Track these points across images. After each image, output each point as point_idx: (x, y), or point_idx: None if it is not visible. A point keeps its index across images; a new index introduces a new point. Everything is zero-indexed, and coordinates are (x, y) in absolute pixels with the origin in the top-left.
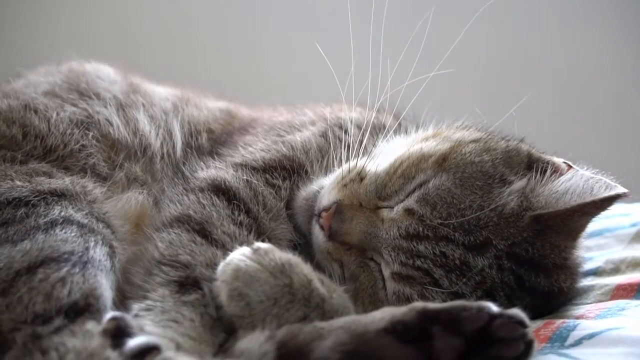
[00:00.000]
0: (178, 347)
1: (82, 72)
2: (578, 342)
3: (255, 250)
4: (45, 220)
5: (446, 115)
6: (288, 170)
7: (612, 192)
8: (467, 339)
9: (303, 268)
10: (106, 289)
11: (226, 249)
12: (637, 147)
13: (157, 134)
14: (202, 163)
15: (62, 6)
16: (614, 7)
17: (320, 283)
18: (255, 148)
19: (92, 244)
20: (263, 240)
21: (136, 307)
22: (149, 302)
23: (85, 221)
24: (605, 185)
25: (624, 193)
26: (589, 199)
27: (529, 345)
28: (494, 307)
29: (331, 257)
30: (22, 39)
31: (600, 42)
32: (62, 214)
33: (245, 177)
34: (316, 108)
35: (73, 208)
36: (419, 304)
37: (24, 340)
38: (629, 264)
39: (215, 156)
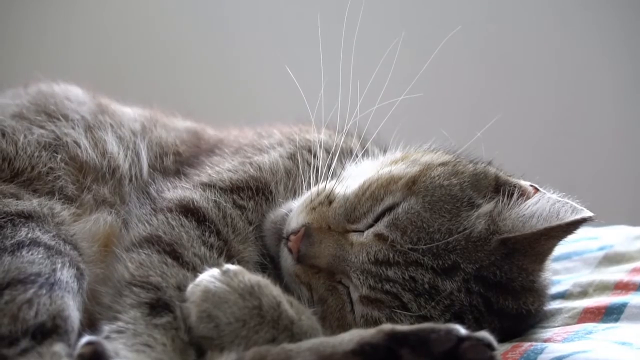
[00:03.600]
0: None
1: (50, 94)
2: None
3: (225, 272)
4: (12, 242)
5: (414, 138)
6: (255, 191)
7: (578, 216)
8: None
9: (272, 290)
10: (74, 310)
11: (197, 271)
12: (604, 170)
13: (126, 155)
14: (168, 184)
15: (27, 27)
16: (584, 29)
17: (289, 305)
18: (223, 168)
19: (59, 265)
20: (232, 263)
21: (107, 328)
22: (120, 323)
23: (53, 243)
24: (572, 209)
25: (590, 217)
26: (555, 222)
27: None
28: (462, 330)
29: (299, 280)
30: None
31: (572, 61)
32: (29, 235)
33: (213, 198)
34: (283, 128)
35: (40, 230)
36: (387, 326)
37: None
38: (597, 288)
39: (182, 176)
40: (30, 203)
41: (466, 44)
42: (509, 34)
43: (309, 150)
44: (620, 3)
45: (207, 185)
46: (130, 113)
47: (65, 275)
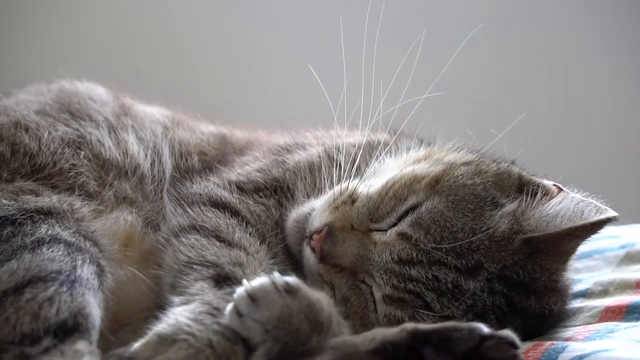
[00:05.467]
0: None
1: (73, 92)
2: None
3: (289, 291)
4: (32, 239)
5: (438, 136)
6: (278, 191)
7: (603, 216)
8: None
9: (326, 305)
10: (95, 307)
11: (248, 252)
12: (624, 168)
13: (147, 155)
14: (198, 179)
15: (51, 23)
16: (608, 27)
17: (335, 319)
18: (252, 167)
19: (79, 262)
20: (270, 250)
21: (177, 300)
22: (187, 296)
23: (73, 239)
24: (596, 208)
25: (614, 217)
26: (579, 222)
27: None
28: (485, 328)
29: (322, 279)
30: (10, 57)
31: (593, 62)
32: (49, 232)
33: (241, 196)
34: (313, 131)
35: (60, 226)
36: (409, 325)
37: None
38: (618, 286)
39: (211, 174)
40: (50, 199)
41: (490, 43)
42: (535, 29)
43: (333, 150)
44: None
45: (235, 183)
46: (153, 113)
47: (86, 272)
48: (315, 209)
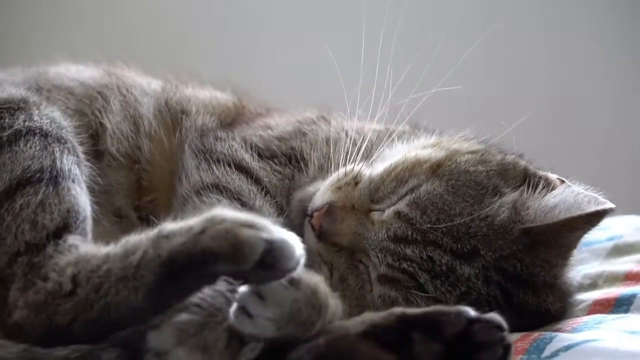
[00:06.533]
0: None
1: (120, 76)
2: (554, 354)
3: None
4: (8, 133)
5: (451, 127)
6: (295, 161)
7: (599, 207)
8: (447, 344)
9: (321, 287)
10: (81, 197)
11: None
12: (612, 159)
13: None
14: (221, 138)
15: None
16: (626, 28)
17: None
18: (272, 134)
19: (58, 154)
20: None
21: None
22: None
23: (50, 129)
24: (595, 201)
25: (611, 209)
26: (576, 213)
27: (507, 349)
28: (471, 312)
29: (322, 259)
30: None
31: (608, 61)
32: (26, 123)
33: (260, 164)
34: (320, 110)
35: (37, 115)
36: (398, 309)
37: (23, 271)
38: (606, 279)
39: (232, 132)
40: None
41: (507, 39)
42: (552, 28)
43: (352, 131)
44: None
45: (256, 148)
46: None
47: (66, 163)
48: (319, 190)
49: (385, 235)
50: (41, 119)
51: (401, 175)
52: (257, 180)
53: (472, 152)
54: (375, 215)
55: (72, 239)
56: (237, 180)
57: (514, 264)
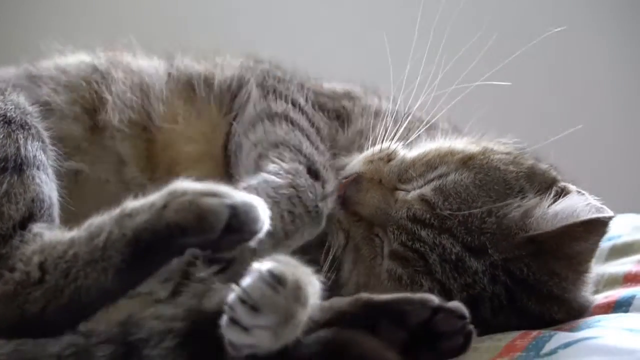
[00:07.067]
0: None
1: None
2: (553, 351)
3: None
4: None
5: (494, 127)
6: (340, 119)
7: (594, 216)
8: (411, 332)
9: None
10: (47, 184)
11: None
12: (607, 156)
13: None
14: (281, 79)
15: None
16: None
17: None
18: (325, 90)
19: (22, 141)
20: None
21: (271, 167)
22: (279, 169)
23: (14, 115)
24: (596, 209)
25: (610, 217)
26: (571, 220)
27: (468, 337)
28: (436, 300)
29: (340, 226)
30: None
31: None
32: None
33: (312, 111)
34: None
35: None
36: (364, 295)
37: None
38: (606, 283)
39: (287, 76)
40: None
41: (567, 47)
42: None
43: (401, 114)
44: None
45: (307, 96)
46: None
47: (30, 149)
48: (353, 160)
49: (405, 214)
50: (5, 104)
51: (432, 161)
52: (312, 124)
53: (506, 153)
54: (400, 194)
55: (37, 227)
56: (303, 120)
57: (521, 268)
